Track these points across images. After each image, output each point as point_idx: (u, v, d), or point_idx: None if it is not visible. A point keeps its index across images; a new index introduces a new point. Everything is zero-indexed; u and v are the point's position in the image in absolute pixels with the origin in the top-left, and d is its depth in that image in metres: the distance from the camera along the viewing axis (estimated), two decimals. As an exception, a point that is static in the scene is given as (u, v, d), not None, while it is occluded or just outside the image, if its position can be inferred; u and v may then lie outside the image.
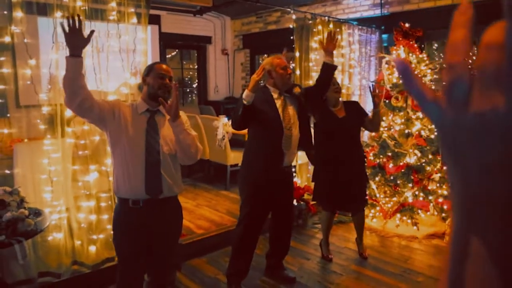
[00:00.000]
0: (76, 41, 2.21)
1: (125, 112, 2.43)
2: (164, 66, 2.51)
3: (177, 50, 9.35)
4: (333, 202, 3.87)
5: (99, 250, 3.58)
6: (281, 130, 3.21)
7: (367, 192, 4.06)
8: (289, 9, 5.28)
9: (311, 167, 5.46)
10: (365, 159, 3.98)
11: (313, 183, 4.04)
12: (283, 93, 3.30)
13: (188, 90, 9.36)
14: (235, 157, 5.82)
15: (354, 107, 3.88)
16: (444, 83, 0.39)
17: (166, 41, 7.59)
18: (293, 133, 3.27)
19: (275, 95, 3.26)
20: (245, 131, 5.98)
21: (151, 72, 2.47)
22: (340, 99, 3.89)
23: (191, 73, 9.83)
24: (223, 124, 5.80)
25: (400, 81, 4.84)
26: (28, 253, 3.31)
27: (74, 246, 3.49)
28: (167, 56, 8.35)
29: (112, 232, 2.63)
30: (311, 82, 5.42)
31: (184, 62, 9.73)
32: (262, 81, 3.15)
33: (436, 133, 4.78)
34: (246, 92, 3.02)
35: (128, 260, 2.51)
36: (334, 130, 3.70)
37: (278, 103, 3.25)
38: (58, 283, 3.27)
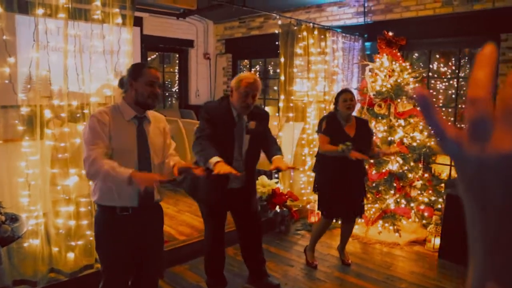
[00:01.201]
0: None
1: (108, 121, 2.30)
2: (154, 72, 2.38)
3: (157, 53, 9.24)
4: (335, 210, 3.86)
5: (77, 257, 3.45)
6: (230, 157, 3.03)
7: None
8: (274, 14, 5.27)
9: (293, 173, 5.46)
10: (366, 173, 4.03)
11: (315, 193, 4.06)
12: (242, 115, 3.10)
13: (167, 94, 9.25)
14: (217, 162, 5.74)
15: (365, 127, 3.85)
16: (466, 119, 0.36)
17: (148, 43, 7.46)
18: (242, 159, 3.12)
19: (235, 115, 3.09)
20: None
21: (140, 78, 2.33)
22: (353, 113, 3.89)
23: (171, 76, 9.73)
24: (206, 129, 5.72)
25: (383, 89, 4.92)
26: (3, 260, 3.17)
27: (51, 253, 3.36)
28: (148, 59, 8.23)
29: (94, 239, 2.52)
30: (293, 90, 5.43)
31: (164, 66, 9.63)
32: None
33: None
34: (212, 163, 2.70)
35: (115, 269, 2.42)
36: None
37: (236, 125, 3.08)
38: (33, 291, 3.14)
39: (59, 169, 3.39)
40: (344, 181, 3.74)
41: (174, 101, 9.16)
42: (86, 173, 2.25)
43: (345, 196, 3.77)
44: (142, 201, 2.35)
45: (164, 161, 2.51)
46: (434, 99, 6.78)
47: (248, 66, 8.62)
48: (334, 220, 4.18)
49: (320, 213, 4.01)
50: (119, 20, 3.51)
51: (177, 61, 9.00)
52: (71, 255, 3.43)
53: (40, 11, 3.11)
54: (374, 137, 3.92)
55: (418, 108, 0.39)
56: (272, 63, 8.38)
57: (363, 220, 4.83)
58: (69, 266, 3.37)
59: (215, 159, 2.71)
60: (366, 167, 4.81)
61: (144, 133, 2.38)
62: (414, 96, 4.41)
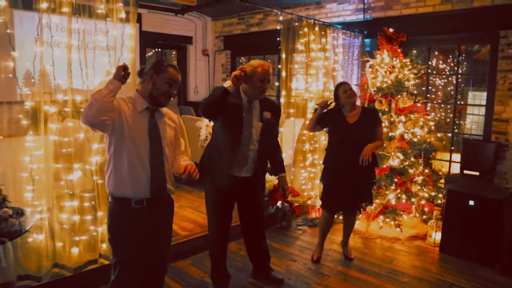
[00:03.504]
0: (122, 78, 2.27)
1: (125, 110, 2.34)
2: (176, 73, 2.42)
3: (154, 50, 9.20)
4: (335, 202, 3.88)
5: (81, 252, 3.45)
6: (238, 142, 3.10)
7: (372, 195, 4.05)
8: (275, 10, 5.27)
9: (293, 169, 5.48)
10: (376, 163, 3.93)
11: (320, 184, 4.10)
12: (252, 101, 3.16)
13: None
14: (217, 158, 5.75)
15: (370, 115, 3.85)
16: None
17: (147, 40, 7.44)
18: (250, 148, 3.16)
19: (244, 101, 3.13)
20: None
21: (162, 73, 2.37)
22: (360, 104, 3.90)
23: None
24: (206, 125, 5.73)
25: (384, 85, 4.94)
26: (8, 255, 3.16)
27: (55, 248, 3.35)
28: (146, 56, 8.20)
29: (107, 231, 2.50)
30: (294, 86, 5.44)
31: (162, 62, 9.57)
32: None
33: (418, 136, 4.88)
34: (228, 82, 2.89)
35: (128, 262, 2.42)
36: (343, 134, 3.70)
37: (245, 111, 3.13)
38: (38, 286, 3.12)
39: (63, 164, 3.38)
40: (346, 175, 3.75)
41: (172, 98, 9.12)
42: (83, 117, 2.21)
43: (349, 188, 3.78)
44: (155, 192, 2.36)
45: (176, 157, 2.53)
46: (433, 96, 6.84)
47: (246, 63, 8.61)
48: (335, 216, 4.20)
49: (319, 206, 4.05)
50: (123, 15, 3.50)
51: (174, 58, 8.98)
52: (75, 250, 3.42)
53: (44, 5, 3.10)
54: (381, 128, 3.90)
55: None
56: (269, 60, 8.37)
57: (364, 215, 4.86)
58: (73, 261, 3.37)
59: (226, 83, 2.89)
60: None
61: (155, 124, 2.40)
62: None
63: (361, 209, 4.03)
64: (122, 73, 2.26)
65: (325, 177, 3.91)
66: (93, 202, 3.52)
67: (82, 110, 3.35)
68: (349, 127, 3.75)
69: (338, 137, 3.80)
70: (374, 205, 4.43)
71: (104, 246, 3.52)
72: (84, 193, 3.51)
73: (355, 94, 3.82)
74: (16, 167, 3.30)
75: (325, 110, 3.82)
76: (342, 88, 3.80)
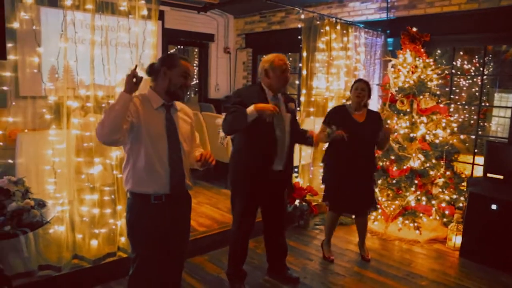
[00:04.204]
0: (134, 87, 2.20)
1: (139, 108, 2.32)
2: (188, 65, 2.40)
3: (176, 47, 9.29)
4: (341, 202, 3.85)
5: (100, 244, 3.52)
6: (273, 136, 3.12)
7: (375, 196, 4.04)
8: (297, 9, 5.25)
9: (312, 168, 5.45)
10: (376, 167, 3.96)
11: (322, 184, 4.05)
12: (277, 95, 3.20)
13: (186, 87, 9.28)
14: (236, 156, 5.77)
15: (375, 117, 3.85)
16: None
17: (169, 37, 7.52)
18: (285, 139, 3.19)
19: (269, 97, 3.15)
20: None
21: (175, 68, 2.34)
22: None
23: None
24: (226, 122, 5.75)
25: (406, 85, 4.86)
26: (29, 246, 3.25)
27: (75, 240, 3.43)
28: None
29: (126, 226, 2.49)
30: (315, 85, 5.41)
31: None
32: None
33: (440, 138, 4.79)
34: (252, 110, 2.87)
35: (149, 257, 2.43)
36: (352, 133, 3.59)
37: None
38: (58, 277, 3.20)
39: (84, 158, 3.45)
40: (352, 175, 3.73)
41: (193, 95, 9.21)
42: (97, 135, 2.19)
43: (353, 189, 3.76)
44: (174, 188, 2.38)
45: (191, 149, 2.55)
46: (457, 97, 6.68)
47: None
48: (344, 215, 4.17)
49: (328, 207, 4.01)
50: (145, 12, 3.54)
51: (196, 56, 9.04)
52: (94, 243, 3.49)
53: (68, 2, 3.17)
54: (389, 131, 3.88)
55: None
56: (291, 59, 8.34)
57: (382, 217, 4.80)
58: (92, 253, 3.44)
59: (250, 107, 2.87)
60: (388, 163, 4.80)
61: (172, 120, 2.40)
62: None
63: (371, 211, 4.00)
64: (133, 81, 2.18)
65: (331, 177, 3.87)
66: (112, 196, 3.58)
67: (103, 105, 3.46)
68: (359, 126, 3.71)
69: (344, 134, 3.72)
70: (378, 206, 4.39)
71: (123, 239, 3.58)
72: (104, 187, 3.58)
73: (365, 97, 3.76)
74: (39, 160, 3.38)
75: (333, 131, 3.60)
76: (355, 85, 3.81)
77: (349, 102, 3.92)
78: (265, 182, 3.18)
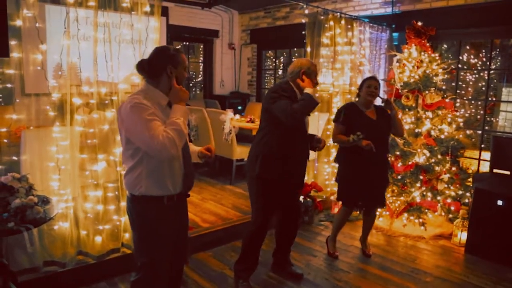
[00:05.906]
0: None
1: (150, 105, 2.19)
2: (184, 56, 2.34)
3: (182, 43, 9.29)
4: (355, 198, 3.84)
5: (104, 240, 3.54)
6: (305, 136, 3.28)
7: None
8: (301, 4, 5.21)
9: (317, 164, 5.43)
10: (390, 164, 3.98)
11: (335, 182, 4.04)
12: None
13: (191, 84, 9.30)
14: (241, 152, 5.77)
15: (383, 111, 3.81)
16: None
17: (173, 33, 7.52)
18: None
19: (298, 96, 3.18)
20: (251, 125, 5.92)
21: (179, 65, 2.25)
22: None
23: (195, 67, 9.77)
24: (230, 118, 5.75)
25: (411, 80, 4.82)
26: (34, 242, 3.27)
27: (80, 236, 3.45)
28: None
29: (137, 232, 2.37)
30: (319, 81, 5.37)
31: (189, 56, 9.66)
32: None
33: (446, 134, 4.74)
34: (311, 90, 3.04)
35: (163, 260, 2.37)
36: (368, 131, 3.55)
37: None
38: (63, 272, 3.23)
39: (88, 154, 3.47)
40: (366, 172, 3.71)
41: (198, 91, 9.21)
42: (158, 149, 2.04)
43: (366, 187, 3.74)
44: (188, 187, 2.38)
45: None
46: (463, 92, 6.62)
47: (272, 57, 8.59)
48: (357, 211, 4.15)
49: (340, 203, 3.99)
50: (147, 8, 3.54)
51: (201, 52, 9.04)
52: (98, 239, 3.51)
53: (70, -1, 3.17)
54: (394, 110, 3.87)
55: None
56: (297, 54, 8.31)
57: (387, 213, 4.78)
58: (97, 249, 3.46)
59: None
60: (393, 159, 4.77)
61: None
62: None
63: (382, 207, 3.99)
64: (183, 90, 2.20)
65: (346, 174, 3.83)
66: (116, 193, 3.60)
67: (107, 102, 3.47)
68: (374, 123, 3.69)
69: (362, 134, 3.70)
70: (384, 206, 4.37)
71: (127, 235, 3.60)
72: (108, 183, 3.60)
73: (376, 96, 3.72)
74: (43, 157, 3.41)
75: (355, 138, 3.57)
76: (367, 83, 3.73)
77: (356, 99, 3.87)
78: (292, 179, 3.28)
